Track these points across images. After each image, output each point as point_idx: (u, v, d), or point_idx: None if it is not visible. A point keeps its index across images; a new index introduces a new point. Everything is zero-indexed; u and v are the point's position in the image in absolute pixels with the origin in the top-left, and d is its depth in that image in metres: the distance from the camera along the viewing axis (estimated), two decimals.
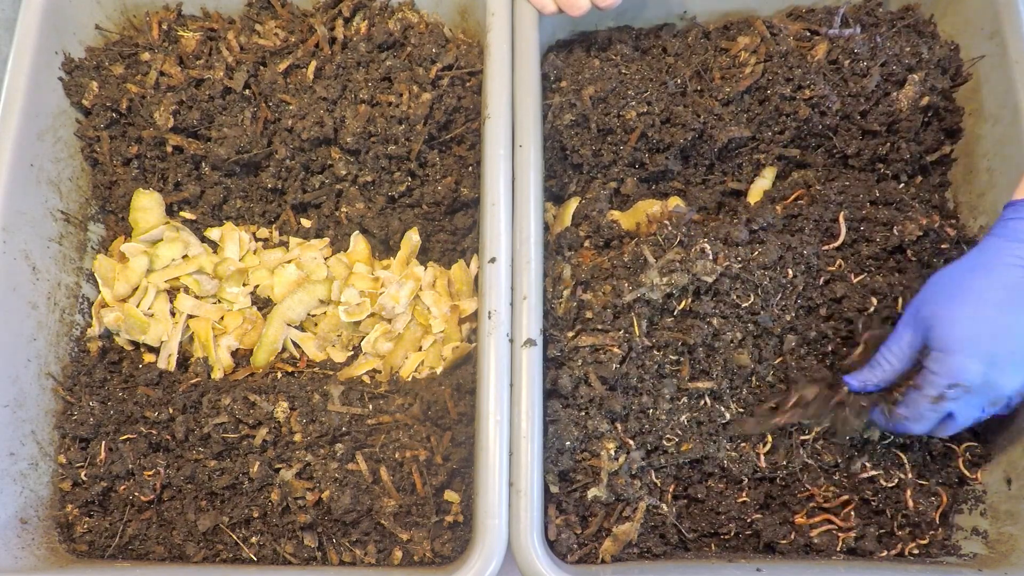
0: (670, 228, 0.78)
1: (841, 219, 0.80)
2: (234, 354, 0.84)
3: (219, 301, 0.86)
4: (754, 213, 0.81)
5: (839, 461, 0.76)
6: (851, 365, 0.73)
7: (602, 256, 0.81)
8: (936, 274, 0.66)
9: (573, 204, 0.86)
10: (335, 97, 0.84)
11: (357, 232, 0.88)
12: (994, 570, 0.71)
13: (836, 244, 0.81)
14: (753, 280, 0.75)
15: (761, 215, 0.80)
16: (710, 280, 0.74)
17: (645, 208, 0.83)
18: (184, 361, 0.85)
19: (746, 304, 0.75)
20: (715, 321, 0.75)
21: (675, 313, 0.76)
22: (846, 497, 0.76)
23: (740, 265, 0.75)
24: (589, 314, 0.76)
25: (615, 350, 0.74)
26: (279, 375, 0.82)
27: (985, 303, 0.61)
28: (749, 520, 0.76)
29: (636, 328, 0.74)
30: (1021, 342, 0.61)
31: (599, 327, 0.75)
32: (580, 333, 0.76)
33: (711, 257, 0.75)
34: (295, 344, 0.85)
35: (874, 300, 0.77)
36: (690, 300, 0.75)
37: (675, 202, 0.86)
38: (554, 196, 0.91)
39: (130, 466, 0.76)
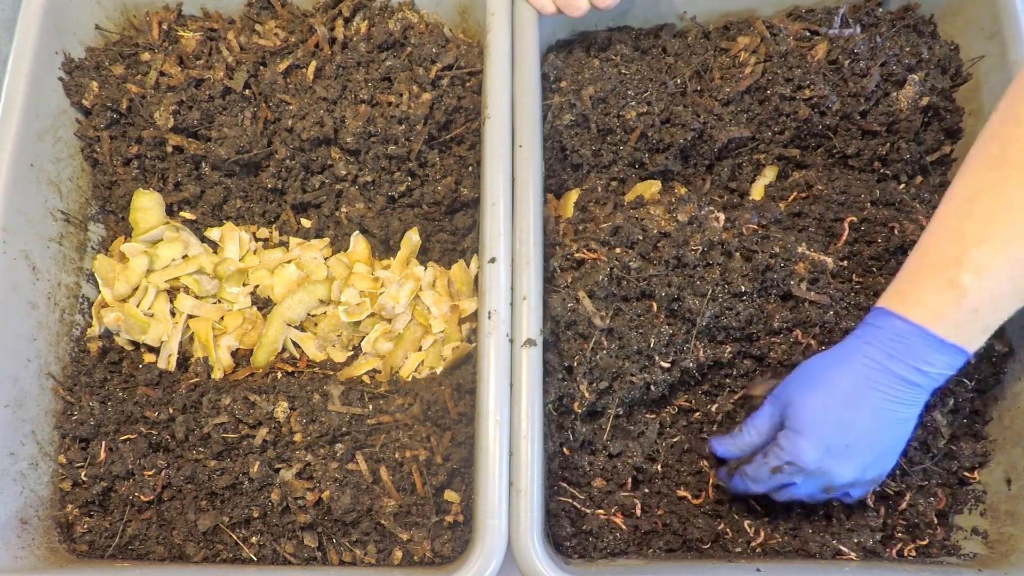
0: (682, 197, 0.79)
1: (846, 224, 0.80)
2: (234, 354, 0.84)
3: (219, 301, 0.86)
4: (760, 207, 0.81)
5: None
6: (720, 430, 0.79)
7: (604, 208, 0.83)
8: (804, 362, 0.70)
9: (574, 195, 0.86)
10: (335, 97, 0.84)
11: (357, 232, 0.88)
12: (994, 570, 0.71)
13: (838, 245, 0.80)
14: (755, 263, 0.75)
15: (768, 209, 0.80)
16: (715, 239, 0.75)
17: (643, 190, 0.84)
18: (184, 361, 0.85)
19: (746, 287, 0.74)
20: (717, 272, 0.75)
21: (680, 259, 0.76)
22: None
23: (752, 239, 0.76)
24: (588, 230, 0.79)
25: (602, 258, 0.74)
26: (279, 375, 0.82)
27: (833, 395, 0.66)
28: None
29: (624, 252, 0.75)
30: (857, 437, 0.65)
31: (593, 244, 0.77)
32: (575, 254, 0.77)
33: (721, 222, 0.76)
34: (295, 344, 0.85)
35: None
36: (701, 251, 0.74)
37: (681, 190, 0.86)
38: (554, 196, 0.91)
39: (130, 466, 0.76)
